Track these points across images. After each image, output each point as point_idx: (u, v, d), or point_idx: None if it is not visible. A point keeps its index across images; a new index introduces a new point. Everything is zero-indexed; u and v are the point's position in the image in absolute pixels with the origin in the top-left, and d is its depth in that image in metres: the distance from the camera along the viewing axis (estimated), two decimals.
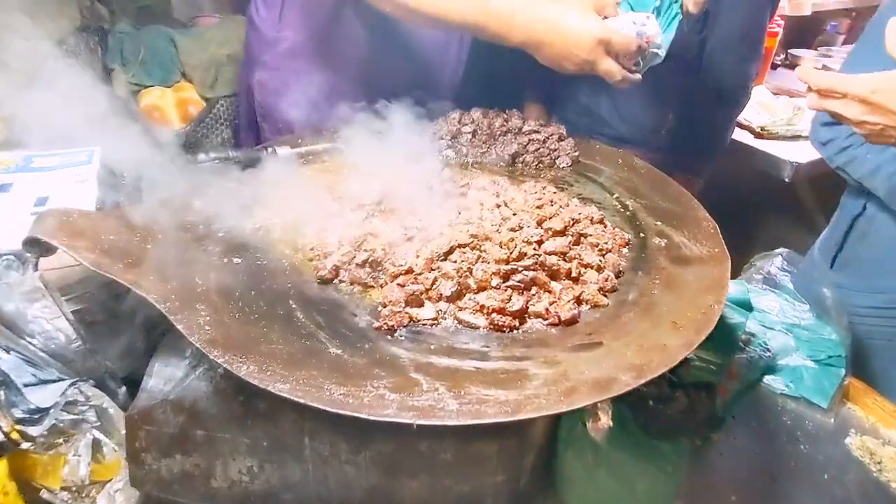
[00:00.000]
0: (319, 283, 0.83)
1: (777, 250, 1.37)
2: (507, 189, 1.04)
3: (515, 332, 0.75)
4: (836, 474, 0.90)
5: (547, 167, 1.24)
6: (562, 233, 0.87)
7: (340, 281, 0.84)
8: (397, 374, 0.66)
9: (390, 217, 0.94)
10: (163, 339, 0.79)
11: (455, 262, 0.80)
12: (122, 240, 0.82)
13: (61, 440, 0.78)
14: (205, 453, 0.75)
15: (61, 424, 0.77)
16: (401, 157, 1.06)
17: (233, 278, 0.81)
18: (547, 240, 0.85)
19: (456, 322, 0.76)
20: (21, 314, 0.78)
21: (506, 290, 0.77)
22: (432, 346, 0.71)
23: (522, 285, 0.78)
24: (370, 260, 0.83)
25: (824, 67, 1.01)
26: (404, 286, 0.79)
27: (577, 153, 1.25)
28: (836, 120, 0.88)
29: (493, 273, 0.77)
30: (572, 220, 0.90)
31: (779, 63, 2.84)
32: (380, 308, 0.78)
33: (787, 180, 1.94)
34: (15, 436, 0.74)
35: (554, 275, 0.81)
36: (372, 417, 0.58)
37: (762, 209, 2.37)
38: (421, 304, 0.78)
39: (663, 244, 0.93)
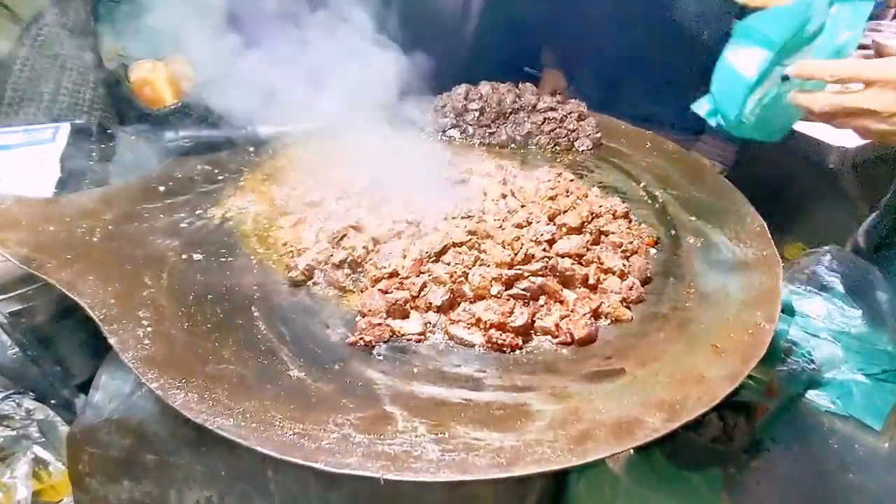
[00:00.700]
0: (290, 286, 0.74)
1: (825, 248, 1.26)
2: (516, 176, 0.94)
3: (518, 352, 0.66)
4: None
5: (564, 150, 1.14)
6: (578, 230, 0.79)
7: (315, 283, 0.74)
8: (369, 406, 0.56)
9: (379, 208, 0.83)
10: None
11: (448, 263, 0.72)
12: (63, 231, 0.75)
13: None
14: (156, 480, 0.68)
15: None
16: (397, 138, 0.96)
17: (189, 279, 0.72)
18: (560, 238, 0.77)
19: (446, 338, 0.68)
20: None
21: (508, 301, 0.69)
22: (415, 370, 0.63)
23: (528, 294, 0.69)
24: (349, 259, 0.72)
25: (874, 43, 0.86)
26: (387, 292, 0.69)
27: (598, 134, 1.15)
28: (841, 123, 0.75)
29: (494, 279, 0.69)
30: (591, 214, 0.82)
31: None
32: (357, 318, 0.68)
33: (831, 167, 1.80)
34: None
35: (567, 282, 0.73)
36: (328, 469, 0.47)
37: (802, 200, 2.23)
38: (406, 315, 0.68)
39: (699, 244, 0.85)
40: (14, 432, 0.73)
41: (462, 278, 0.70)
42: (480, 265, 0.71)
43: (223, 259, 0.77)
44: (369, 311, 0.67)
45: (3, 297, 0.75)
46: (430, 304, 0.69)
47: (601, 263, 0.75)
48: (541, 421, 0.54)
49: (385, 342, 0.66)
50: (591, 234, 0.79)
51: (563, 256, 0.74)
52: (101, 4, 1.72)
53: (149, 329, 0.61)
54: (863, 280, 1.19)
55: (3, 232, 0.69)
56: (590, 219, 0.81)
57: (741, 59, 0.78)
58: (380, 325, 0.66)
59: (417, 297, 0.70)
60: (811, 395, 0.98)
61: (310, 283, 0.74)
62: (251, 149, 1.02)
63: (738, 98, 0.78)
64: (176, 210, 0.84)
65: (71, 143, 1.04)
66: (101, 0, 1.72)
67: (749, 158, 1.60)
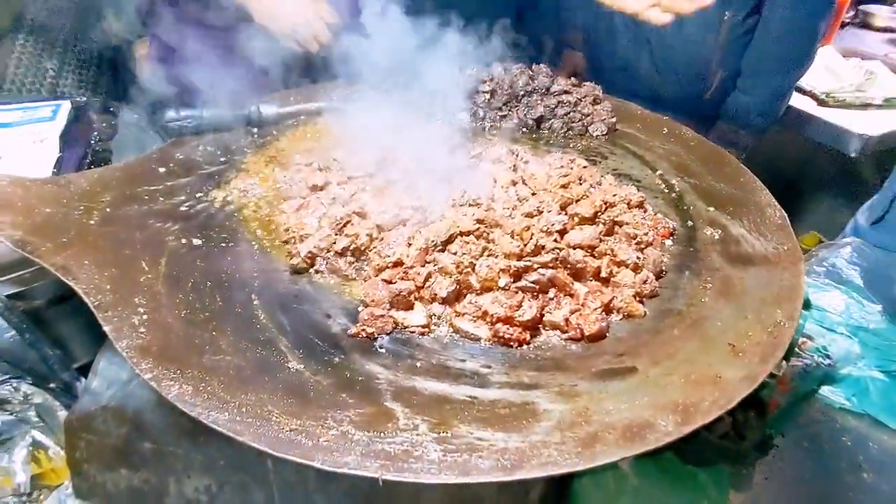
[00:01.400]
0: (292, 274, 0.72)
1: (845, 240, 1.22)
2: (527, 162, 0.91)
3: (525, 347, 0.65)
4: None
5: (577, 135, 1.11)
6: (591, 220, 0.77)
7: (317, 271, 0.72)
8: (369, 401, 0.54)
9: (384, 193, 0.81)
10: None
11: (455, 253, 0.69)
12: (59, 213, 0.73)
13: None
14: (154, 469, 0.67)
15: None
16: (406, 121, 0.93)
17: (188, 265, 0.70)
18: (572, 229, 0.75)
19: (451, 331, 0.66)
20: None
21: (516, 293, 0.67)
22: (419, 364, 0.61)
23: (537, 287, 0.68)
24: (352, 247, 0.70)
25: None
26: (391, 282, 0.67)
27: (614, 119, 1.11)
28: None
29: (502, 270, 0.67)
30: (605, 203, 0.79)
31: (847, 21, 2.57)
32: (360, 308, 0.65)
33: (853, 155, 1.76)
34: None
35: (578, 274, 0.71)
36: (326, 467, 0.46)
37: (819, 189, 2.18)
38: (410, 307, 0.66)
39: (717, 237, 0.82)
40: (12, 416, 0.72)
41: (469, 269, 0.68)
42: (488, 255, 0.69)
43: (223, 244, 0.75)
44: (372, 301, 0.66)
45: (0, 279, 0.74)
46: (436, 295, 0.67)
47: (614, 255, 0.73)
48: (548, 421, 0.52)
49: (388, 334, 0.64)
50: (604, 224, 0.77)
51: (574, 248, 0.72)
52: None
53: (145, 317, 0.60)
54: (884, 274, 1.16)
55: None
56: (603, 208, 0.79)
57: None
58: (382, 316, 0.64)
59: (422, 287, 0.68)
60: (825, 391, 0.96)
61: (312, 270, 0.72)
62: (255, 130, 1.00)
63: None
64: (176, 193, 0.82)
65: (71, 121, 1.02)
66: None
67: (766, 146, 1.56)
